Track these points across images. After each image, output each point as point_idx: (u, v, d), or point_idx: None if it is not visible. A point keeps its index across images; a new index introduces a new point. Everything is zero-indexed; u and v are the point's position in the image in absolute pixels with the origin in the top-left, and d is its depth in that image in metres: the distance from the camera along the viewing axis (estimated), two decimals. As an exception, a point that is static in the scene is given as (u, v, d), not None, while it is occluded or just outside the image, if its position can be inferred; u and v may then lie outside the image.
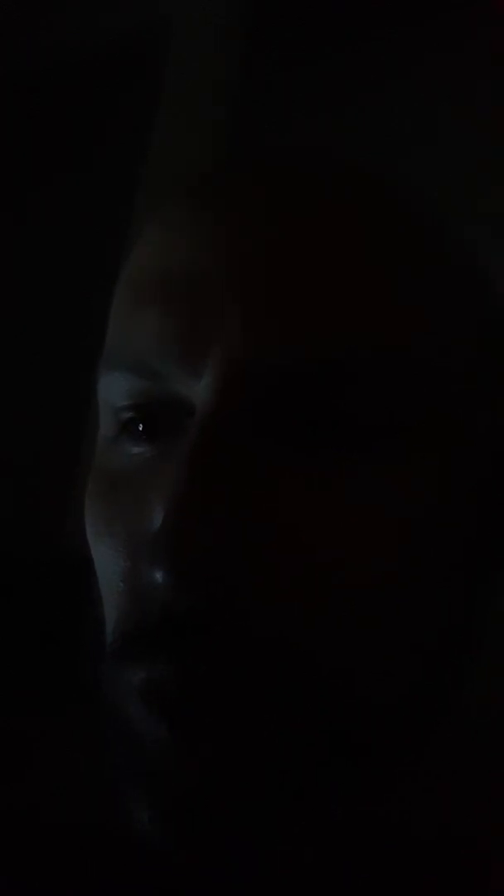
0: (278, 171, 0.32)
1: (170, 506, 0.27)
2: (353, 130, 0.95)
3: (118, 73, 1.29)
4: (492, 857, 0.32)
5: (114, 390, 0.32)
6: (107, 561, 0.31)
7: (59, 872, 0.33)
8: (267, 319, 0.28)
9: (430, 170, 0.81)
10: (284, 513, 0.28)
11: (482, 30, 0.94)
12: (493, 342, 0.33)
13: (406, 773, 0.32)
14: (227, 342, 0.28)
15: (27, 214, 1.36)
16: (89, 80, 1.33)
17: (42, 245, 1.34)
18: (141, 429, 0.31)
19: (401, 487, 0.29)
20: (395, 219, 0.32)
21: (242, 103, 1.15)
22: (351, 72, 1.05)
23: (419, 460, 0.29)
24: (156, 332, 0.30)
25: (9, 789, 0.36)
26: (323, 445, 0.29)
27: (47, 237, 1.33)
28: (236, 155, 1.10)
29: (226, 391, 0.28)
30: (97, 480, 0.33)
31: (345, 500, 0.28)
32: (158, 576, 0.27)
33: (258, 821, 0.28)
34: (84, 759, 0.35)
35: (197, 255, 0.30)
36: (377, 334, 0.29)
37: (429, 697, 0.32)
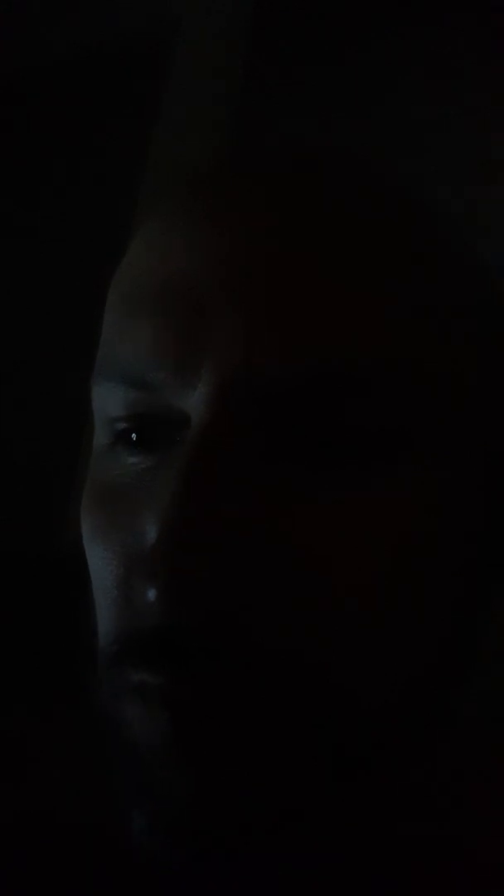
0: (278, 178, 0.32)
1: (163, 523, 0.27)
2: (355, 131, 0.95)
3: (120, 72, 1.29)
4: (494, 863, 0.32)
5: (107, 400, 0.31)
6: (102, 570, 0.31)
7: (56, 878, 0.33)
8: (262, 331, 0.28)
9: (431, 171, 0.81)
10: (281, 527, 0.28)
11: (483, 29, 0.94)
12: (495, 349, 0.33)
13: (407, 783, 0.32)
14: (221, 353, 0.28)
15: (26, 214, 1.36)
16: (92, 78, 1.33)
17: (41, 244, 1.34)
18: (135, 438, 0.31)
19: (401, 498, 0.28)
20: (397, 224, 0.31)
21: (244, 103, 1.15)
22: (353, 72, 1.05)
23: (421, 470, 0.29)
24: (150, 342, 0.29)
25: (5, 793, 0.36)
26: (321, 457, 0.28)
27: (46, 237, 1.33)
28: (237, 155, 1.10)
29: (221, 403, 0.28)
30: (93, 489, 0.32)
31: (343, 513, 0.28)
32: (151, 594, 0.27)
33: (257, 830, 0.28)
34: (82, 763, 0.34)
35: (193, 265, 0.30)
36: (376, 346, 0.28)
37: (431, 705, 0.31)
